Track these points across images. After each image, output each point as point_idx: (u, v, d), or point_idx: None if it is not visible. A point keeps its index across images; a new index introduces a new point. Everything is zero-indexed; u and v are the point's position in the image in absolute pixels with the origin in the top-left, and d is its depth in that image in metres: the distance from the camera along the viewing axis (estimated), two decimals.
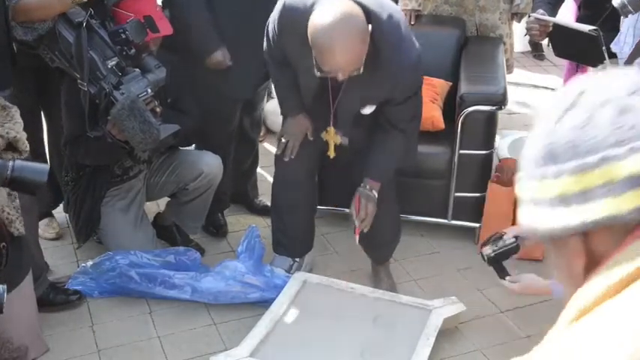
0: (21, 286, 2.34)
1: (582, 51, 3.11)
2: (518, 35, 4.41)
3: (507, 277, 2.09)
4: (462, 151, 3.17)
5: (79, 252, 3.14)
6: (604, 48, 2.91)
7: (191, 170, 3.03)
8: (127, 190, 3.01)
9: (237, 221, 3.46)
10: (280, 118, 2.95)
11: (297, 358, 2.49)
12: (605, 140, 0.76)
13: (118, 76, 2.59)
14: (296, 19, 2.35)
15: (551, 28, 3.09)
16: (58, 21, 2.58)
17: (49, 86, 2.88)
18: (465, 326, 2.78)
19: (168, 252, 2.96)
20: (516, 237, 2.07)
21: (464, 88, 3.20)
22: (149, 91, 2.62)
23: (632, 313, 0.72)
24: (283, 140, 2.73)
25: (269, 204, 3.16)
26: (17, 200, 2.29)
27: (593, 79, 0.83)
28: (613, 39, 3.00)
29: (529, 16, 3.28)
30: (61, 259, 3.13)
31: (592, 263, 0.81)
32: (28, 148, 2.21)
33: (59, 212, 3.32)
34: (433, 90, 3.34)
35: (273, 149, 3.74)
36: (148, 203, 3.20)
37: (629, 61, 2.94)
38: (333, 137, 2.67)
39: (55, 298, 2.78)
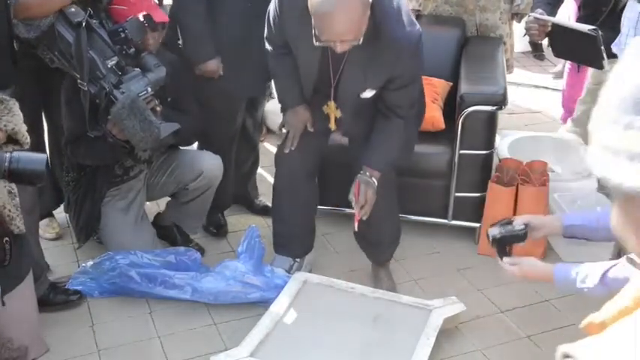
0: (21, 286, 2.34)
1: (581, 51, 3.11)
2: (519, 35, 4.42)
3: (506, 259, 2.05)
4: (462, 151, 3.17)
5: (79, 252, 3.15)
6: (603, 47, 2.91)
7: (191, 170, 3.03)
8: (127, 190, 3.01)
9: (238, 221, 3.47)
10: (280, 117, 2.95)
11: (297, 358, 2.49)
12: None
13: (117, 76, 2.60)
14: None
15: (550, 28, 3.09)
16: (57, 21, 2.59)
17: (50, 86, 2.89)
18: (465, 326, 2.78)
19: (169, 252, 2.96)
20: (526, 225, 2.04)
21: (464, 88, 3.20)
22: (149, 90, 2.62)
23: None
24: (284, 131, 2.73)
25: (269, 204, 3.16)
26: (17, 198, 2.30)
27: None
28: (613, 39, 3.00)
29: (529, 16, 3.29)
30: (62, 259, 3.13)
31: None
32: (28, 140, 2.21)
33: (59, 212, 3.32)
34: (433, 90, 3.34)
35: (273, 149, 3.74)
36: (148, 203, 3.20)
37: None
38: (333, 111, 2.68)
39: (56, 298, 2.78)
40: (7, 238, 2.18)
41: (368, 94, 2.56)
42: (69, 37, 2.57)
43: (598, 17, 3.23)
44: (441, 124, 3.29)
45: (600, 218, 1.94)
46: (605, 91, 0.79)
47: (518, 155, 3.49)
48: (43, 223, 3.16)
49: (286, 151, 2.74)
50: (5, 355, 2.20)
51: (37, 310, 2.53)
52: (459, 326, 2.77)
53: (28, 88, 2.76)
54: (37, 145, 2.74)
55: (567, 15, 4.52)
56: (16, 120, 2.18)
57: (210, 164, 3.05)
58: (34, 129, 2.66)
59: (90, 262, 2.93)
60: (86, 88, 2.58)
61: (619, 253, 2.40)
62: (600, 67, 3.12)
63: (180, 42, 2.98)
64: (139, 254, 2.87)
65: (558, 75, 5.20)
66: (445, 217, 3.32)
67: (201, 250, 3.16)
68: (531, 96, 5.12)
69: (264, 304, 2.75)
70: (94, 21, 2.61)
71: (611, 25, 3.09)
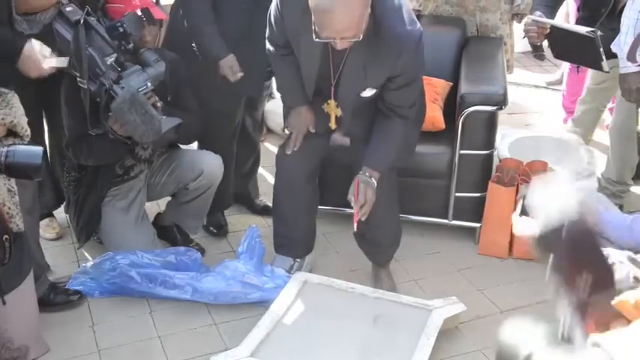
0: (22, 286, 2.34)
1: (580, 52, 3.11)
2: (519, 35, 4.42)
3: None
4: (462, 151, 3.17)
5: (79, 252, 3.15)
6: (602, 49, 2.91)
7: (191, 170, 3.04)
8: (127, 189, 3.01)
9: (238, 221, 3.47)
10: (281, 118, 2.95)
11: (297, 358, 2.49)
12: None
13: (117, 72, 2.60)
14: None
15: (548, 30, 3.09)
16: (55, 20, 2.60)
17: (50, 86, 2.88)
18: (465, 326, 2.78)
19: (169, 252, 2.96)
20: None
21: (464, 88, 3.20)
22: (149, 84, 2.62)
23: None
24: (286, 132, 2.74)
25: (270, 204, 3.16)
26: (17, 196, 2.30)
27: None
28: (613, 39, 3.00)
29: (527, 19, 3.29)
30: (62, 259, 3.13)
31: None
32: (28, 133, 2.21)
33: (59, 212, 3.32)
34: (434, 90, 3.34)
35: (274, 149, 3.75)
36: (148, 203, 3.20)
37: (630, 58, 2.94)
38: (333, 109, 2.67)
39: (56, 299, 2.78)
40: (6, 236, 2.18)
41: (368, 93, 2.56)
42: (67, 36, 2.57)
43: (598, 18, 3.23)
44: (441, 124, 3.29)
45: (636, 220, 1.85)
46: None
47: (519, 155, 3.49)
48: (43, 223, 3.16)
49: (288, 152, 2.74)
50: (5, 355, 2.20)
51: (37, 310, 2.53)
52: (459, 326, 2.77)
53: (27, 89, 2.76)
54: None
55: (567, 12, 4.52)
56: (15, 113, 2.18)
57: (210, 164, 3.05)
58: (35, 129, 2.66)
59: (90, 262, 2.93)
60: (86, 87, 2.58)
61: None
62: (600, 68, 3.12)
63: (194, 45, 2.98)
64: (139, 254, 2.87)
65: (554, 83, 5.20)
66: (445, 217, 3.32)
67: (202, 250, 3.16)
68: (531, 96, 5.12)
69: (264, 304, 2.75)
70: (92, 18, 2.62)
71: (611, 26, 3.09)
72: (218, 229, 3.38)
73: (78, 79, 2.60)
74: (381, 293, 2.81)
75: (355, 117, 2.65)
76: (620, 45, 2.95)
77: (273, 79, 3.33)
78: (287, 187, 2.87)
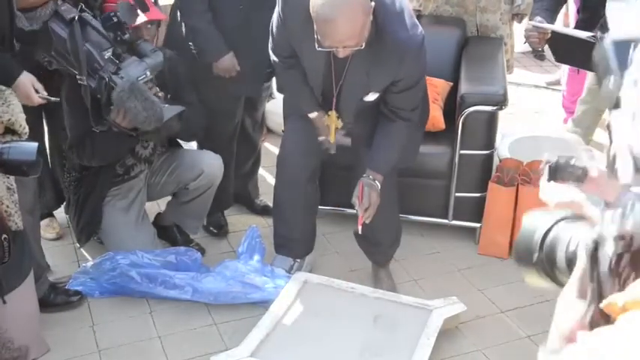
0: (22, 286, 2.34)
1: (582, 57, 3.10)
2: (519, 35, 4.42)
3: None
4: (462, 151, 3.17)
5: (79, 252, 3.15)
6: None
7: (191, 170, 3.04)
8: (128, 189, 3.01)
9: (238, 221, 3.47)
10: (281, 118, 2.96)
11: (297, 357, 2.49)
12: None
13: (115, 65, 2.60)
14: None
15: (549, 35, 3.08)
16: (51, 20, 2.60)
17: (49, 88, 2.88)
18: (465, 326, 2.78)
19: (169, 252, 2.96)
20: (585, 170, 1.88)
21: (464, 88, 3.20)
22: (148, 73, 2.62)
23: None
24: (320, 139, 2.73)
25: (270, 204, 3.16)
26: (16, 195, 2.30)
27: None
28: None
29: (528, 24, 3.28)
30: (62, 259, 3.13)
31: None
32: (26, 130, 2.21)
33: (59, 212, 3.32)
34: (434, 90, 3.34)
35: (274, 149, 3.75)
36: (148, 203, 3.20)
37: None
38: (334, 121, 2.66)
39: (56, 299, 2.79)
40: (5, 235, 2.18)
41: (371, 97, 2.56)
42: (63, 34, 2.58)
43: (598, 20, 3.22)
44: (441, 124, 3.29)
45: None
46: None
47: (519, 155, 3.49)
48: (43, 223, 3.16)
49: (332, 152, 2.71)
50: (6, 355, 2.20)
51: (37, 310, 2.53)
52: (459, 326, 2.77)
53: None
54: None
55: (566, 12, 4.51)
56: (13, 110, 2.18)
57: (210, 164, 3.05)
58: (34, 131, 2.67)
59: (90, 262, 2.94)
60: (85, 83, 2.58)
61: None
62: None
63: (191, 45, 2.98)
64: (139, 254, 2.87)
65: (554, 83, 5.20)
66: (445, 217, 3.32)
67: (202, 250, 3.16)
68: (531, 96, 5.12)
69: (264, 304, 2.75)
70: (87, 14, 2.62)
71: None
72: (218, 229, 3.38)
73: (77, 76, 2.60)
74: (381, 293, 2.81)
75: (357, 119, 2.65)
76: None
77: (274, 79, 3.34)
78: (287, 187, 2.87)
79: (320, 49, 2.32)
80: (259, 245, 2.94)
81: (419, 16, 3.72)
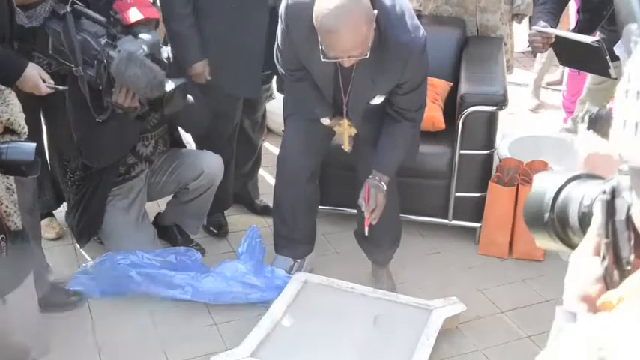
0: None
1: (587, 61, 3.10)
2: (519, 35, 4.42)
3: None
4: (462, 152, 3.17)
5: (79, 252, 3.15)
6: (608, 57, 2.90)
7: (192, 170, 3.04)
8: (128, 189, 3.01)
9: (238, 221, 3.47)
10: (281, 118, 2.95)
11: (297, 358, 2.49)
12: None
13: (112, 47, 2.60)
14: (301, 10, 2.36)
15: (553, 40, 3.08)
16: (48, 19, 2.63)
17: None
18: (465, 326, 2.79)
19: (169, 252, 2.96)
20: None
21: (464, 88, 3.20)
22: (145, 48, 2.60)
23: None
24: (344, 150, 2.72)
25: (270, 204, 3.16)
26: (15, 195, 2.29)
27: None
28: (615, 42, 2.99)
29: (529, 20, 3.28)
30: (62, 259, 3.13)
31: None
32: (26, 130, 2.21)
33: (59, 212, 3.32)
34: (434, 90, 3.34)
35: (274, 149, 3.75)
36: (148, 203, 3.20)
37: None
38: (347, 129, 2.66)
39: (56, 299, 2.78)
40: (2, 235, 2.17)
41: (377, 100, 2.57)
42: (58, 28, 2.60)
43: (598, 21, 3.22)
44: (441, 124, 3.29)
45: None
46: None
47: (519, 155, 3.49)
48: (43, 223, 3.16)
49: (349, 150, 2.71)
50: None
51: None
52: (459, 326, 2.77)
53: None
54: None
55: (567, 13, 4.51)
56: (12, 110, 2.17)
57: (210, 164, 3.05)
58: (33, 132, 2.67)
59: (90, 262, 2.94)
60: (82, 73, 2.58)
61: None
62: (607, 75, 3.10)
63: (169, 48, 2.98)
64: (139, 254, 2.87)
65: (554, 83, 5.20)
66: (445, 217, 3.32)
67: (202, 250, 3.16)
68: (531, 96, 5.11)
69: (264, 304, 2.75)
70: (79, 5, 2.62)
71: (612, 28, 3.08)
72: (218, 229, 3.38)
73: (73, 69, 2.60)
74: (381, 293, 2.81)
75: (363, 121, 2.65)
76: (622, 47, 2.94)
77: (274, 80, 3.34)
78: (287, 188, 2.87)
79: (325, 59, 2.32)
80: (259, 245, 2.94)
81: (419, 16, 3.71)
